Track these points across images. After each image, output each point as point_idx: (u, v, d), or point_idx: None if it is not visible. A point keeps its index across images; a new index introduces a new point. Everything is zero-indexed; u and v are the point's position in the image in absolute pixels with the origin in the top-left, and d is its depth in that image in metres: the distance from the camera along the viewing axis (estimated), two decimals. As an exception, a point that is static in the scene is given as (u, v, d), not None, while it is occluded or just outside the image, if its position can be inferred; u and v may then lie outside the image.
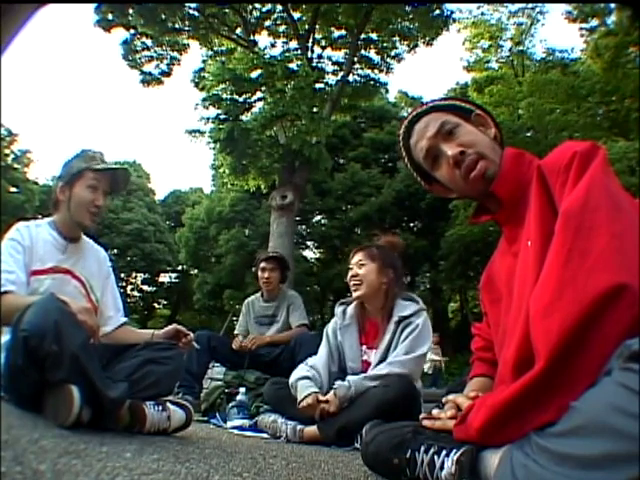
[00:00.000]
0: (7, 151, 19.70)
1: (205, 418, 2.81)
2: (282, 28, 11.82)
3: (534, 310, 0.82)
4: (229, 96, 10.72)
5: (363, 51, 11.63)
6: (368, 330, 2.22)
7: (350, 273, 2.22)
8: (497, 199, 1.08)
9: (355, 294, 2.19)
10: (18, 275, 1.60)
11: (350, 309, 2.26)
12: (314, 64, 11.03)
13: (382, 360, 2.06)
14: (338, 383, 1.98)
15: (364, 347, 2.19)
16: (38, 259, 1.66)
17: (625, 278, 0.74)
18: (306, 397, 1.98)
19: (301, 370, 2.12)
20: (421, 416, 1.08)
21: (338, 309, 2.31)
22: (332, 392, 1.96)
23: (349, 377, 2.01)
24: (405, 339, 2.05)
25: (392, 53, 11.73)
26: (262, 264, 3.42)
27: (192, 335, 1.83)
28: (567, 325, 0.74)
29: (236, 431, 2.26)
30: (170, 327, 1.84)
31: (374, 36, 11.57)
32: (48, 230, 1.75)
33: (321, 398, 1.97)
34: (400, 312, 2.11)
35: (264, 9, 11.59)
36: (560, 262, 0.82)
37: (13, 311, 1.42)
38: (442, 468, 0.96)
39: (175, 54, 11.99)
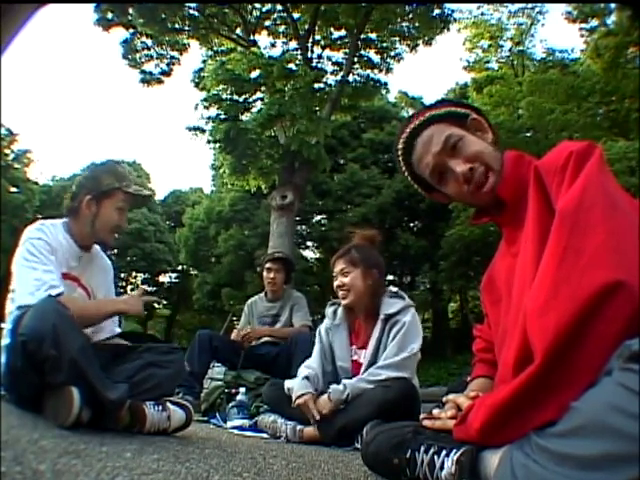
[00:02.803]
0: (7, 151, 19.69)
1: (205, 418, 2.81)
2: (282, 28, 11.81)
3: (530, 309, 0.82)
4: (229, 96, 10.72)
5: (363, 51, 11.60)
6: (357, 330, 2.22)
7: (336, 283, 2.22)
8: (498, 202, 1.08)
9: (344, 302, 2.20)
10: (58, 275, 1.57)
11: (340, 309, 2.26)
12: (314, 64, 11.02)
13: (373, 361, 2.06)
14: (333, 387, 1.98)
15: (354, 347, 2.18)
16: (58, 262, 1.63)
17: (621, 275, 0.74)
18: (301, 396, 1.99)
19: (301, 371, 2.14)
20: (421, 416, 1.08)
21: (329, 309, 2.31)
22: (326, 395, 1.97)
23: (344, 380, 2.01)
24: (394, 339, 2.04)
25: (392, 53, 11.71)
26: (268, 264, 3.42)
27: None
28: (563, 322, 0.74)
29: (236, 431, 2.26)
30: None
31: (374, 36, 11.54)
32: (63, 233, 1.71)
33: (311, 406, 1.97)
34: (386, 310, 2.11)
35: (264, 9, 11.58)
36: (555, 261, 0.82)
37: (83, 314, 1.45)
38: (442, 468, 0.96)
39: (175, 54, 11.99)
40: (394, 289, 2.25)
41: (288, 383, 2.11)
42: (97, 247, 1.85)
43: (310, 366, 2.15)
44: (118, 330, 1.87)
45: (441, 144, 1.09)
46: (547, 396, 0.75)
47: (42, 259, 1.55)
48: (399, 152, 1.18)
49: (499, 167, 1.07)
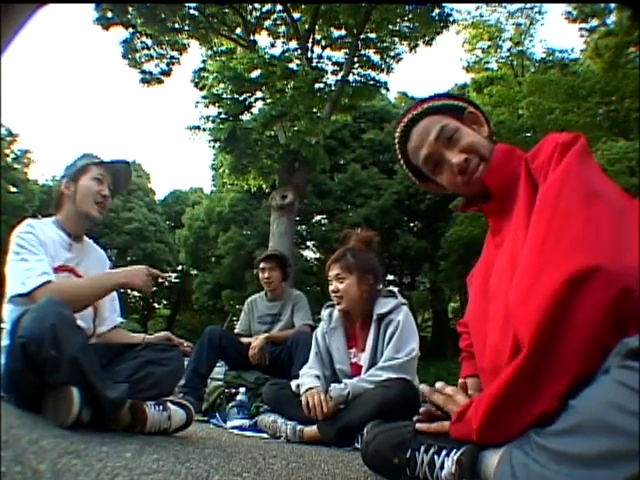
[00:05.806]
0: (7, 151, 19.69)
1: (205, 418, 2.80)
2: (282, 28, 11.82)
3: (514, 299, 0.83)
4: (229, 96, 10.72)
5: (363, 51, 11.61)
6: (355, 333, 2.22)
7: (331, 287, 2.21)
8: (486, 193, 1.09)
9: (338, 307, 2.20)
10: (49, 264, 1.59)
11: (336, 312, 2.26)
12: (314, 64, 11.02)
13: (373, 363, 2.05)
14: (333, 385, 1.98)
15: (353, 350, 2.18)
16: (49, 256, 1.65)
17: (598, 260, 0.74)
18: (310, 389, 1.99)
19: (306, 372, 2.15)
20: (415, 418, 1.07)
21: (324, 312, 2.30)
22: (327, 394, 1.97)
23: (345, 380, 2.02)
24: (390, 339, 2.03)
25: (392, 53, 11.73)
26: (261, 264, 3.40)
27: (185, 344, 1.87)
28: (544, 310, 0.75)
29: (236, 431, 2.26)
30: (162, 334, 1.89)
31: (374, 36, 11.55)
32: (54, 229, 1.75)
33: (322, 397, 1.97)
34: (379, 309, 2.10)
35: (264, 9, 11.58)
36: (536, 250, 0.84)
37: (66, 295, 1.45)
38: (442, 468, 0.96)
39: (175, 53, 11.99)
40: (394, 289, 2.25)
41: (296, 381, 2.12)
42: (90, 240, 1.88)
43: (312, 368, 2.16)
44: (120, 320, 1.88)
45: (436, 134, 1.11)
46: (537, 387, 0.75)
47: (32, 250, 1.58)
48: (396, 141, 1.21)
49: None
